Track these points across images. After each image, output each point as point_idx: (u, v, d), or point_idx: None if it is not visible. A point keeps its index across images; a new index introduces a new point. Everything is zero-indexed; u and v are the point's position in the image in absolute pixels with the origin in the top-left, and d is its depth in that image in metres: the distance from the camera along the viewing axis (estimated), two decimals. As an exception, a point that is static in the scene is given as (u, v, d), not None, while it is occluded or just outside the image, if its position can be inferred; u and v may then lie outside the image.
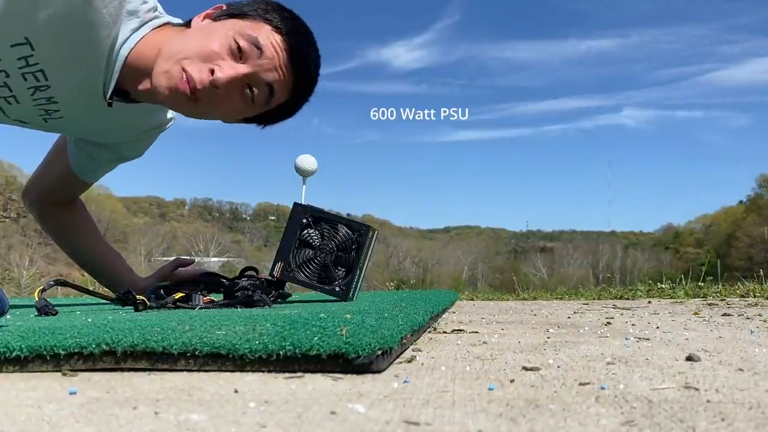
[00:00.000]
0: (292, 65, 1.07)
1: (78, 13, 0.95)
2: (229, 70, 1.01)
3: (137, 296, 1.12)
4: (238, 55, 1.03)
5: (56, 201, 1.42)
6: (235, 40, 1.02)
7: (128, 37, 1.02)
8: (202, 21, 1.08)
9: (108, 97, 1.06)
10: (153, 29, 1.05)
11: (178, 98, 1.02)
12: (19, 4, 0.93)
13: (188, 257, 1.56)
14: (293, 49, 1.06)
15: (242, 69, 1.03)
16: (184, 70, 1.00)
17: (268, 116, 1.16)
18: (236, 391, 0.51)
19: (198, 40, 1.02)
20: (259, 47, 1.03)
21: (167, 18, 1.09)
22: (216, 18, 1.08)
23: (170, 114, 1.30)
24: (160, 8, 1.09)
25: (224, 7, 1.09)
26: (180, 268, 1.47)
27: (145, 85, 1.05)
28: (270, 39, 1.04)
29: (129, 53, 1.02)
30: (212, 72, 1.01)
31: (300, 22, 1.11)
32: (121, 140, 1.29)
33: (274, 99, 1.09)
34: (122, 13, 1.00)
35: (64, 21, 0.95)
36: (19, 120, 1.13)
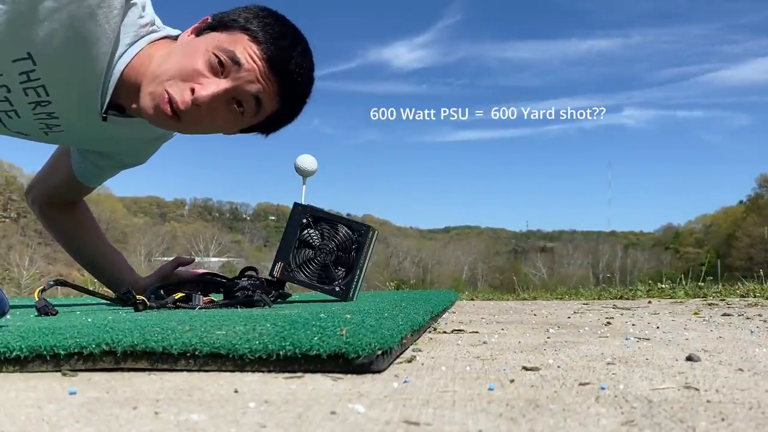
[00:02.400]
0: (274, 74, 1.05)
1: (80, 28, 0.95)
2: (210, 87, 1.02)
3: (137, 296, 1.12)
4: (220, 70, 1.02)
5: (59, 202, 1.43)
6: (214, 55, 1.02)
7: (124, 52, 1.02)
8: (188, 36, 1.08)
9: (103, 111, 1.06)
10: (149, 44, 1.04)
11: (162, 119, 1.03)
12: (23, 19, 0.93)
13: (188, 256, 1.56)
14: (273, 57, 1.04)
15: (224, 84, 1.03)
16: (166, 91, 1.01)
17: (268, 124, 1.16)
18: (236, 391, 0.51)
19: (179, 59, 1.02)
20: (236, 61, 1.02)
21: (165, 32, 1.08)
22: (199, 33, 1.07)
23: None
24: (158, 22, 1.09)
25: (209, 20, 1.09)
26: (180, 268, 1.47)
27: (135, 103, 1.05)
28: (247, 51, 1.03)
29: (124, 68, 1.03)
30: (193, 91, 1.01)
31: (284, 25, 1.09)
32: (122, 150, 1.29)
33: (263, 109, 1.09)
34: (120, 28, 1.00)
35: (66, 36, 0.94)
36: (20, 132, 1.13)
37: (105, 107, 1.06)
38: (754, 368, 0.62)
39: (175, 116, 1.02)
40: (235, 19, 1.06)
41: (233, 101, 1.06)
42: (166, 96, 1.01)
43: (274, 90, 1.07)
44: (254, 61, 1.03)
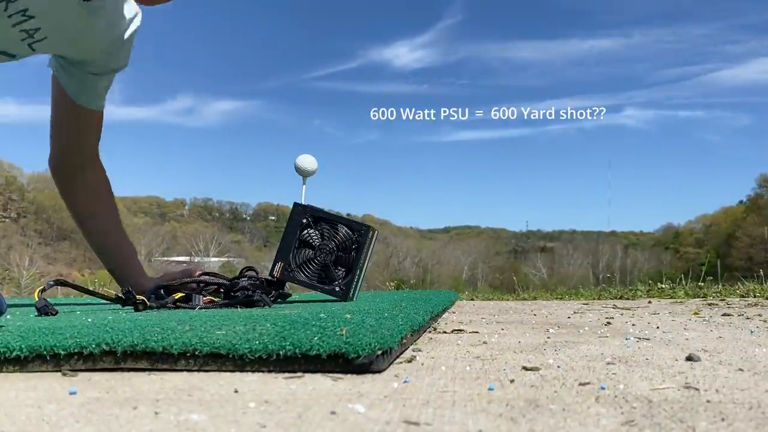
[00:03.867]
0: None
1: None
2: None
3: (137, 296, 1.12)
4: None
5: (77, 162, 1.42)
6: None
7: None
8: None
9: None
10: None
11: None
12: None
13: (194, 267, 1.55)
14: None
15: None
16: None
17: None
18: (236, 391, 0.51)
19: None
20: None
21: None
22: None
23: (135, 8, 1.34)
24: None
25: None
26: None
27: None
28: None
29: None
30: None
31: None
32: (102, 48, 1.30)
33: None
34: None
35: None
36: (5, 53, 1.14)
37: None
38: (754, 368, 0.62)
39: None
40: None
41: None
42: None
43: None
44: None
